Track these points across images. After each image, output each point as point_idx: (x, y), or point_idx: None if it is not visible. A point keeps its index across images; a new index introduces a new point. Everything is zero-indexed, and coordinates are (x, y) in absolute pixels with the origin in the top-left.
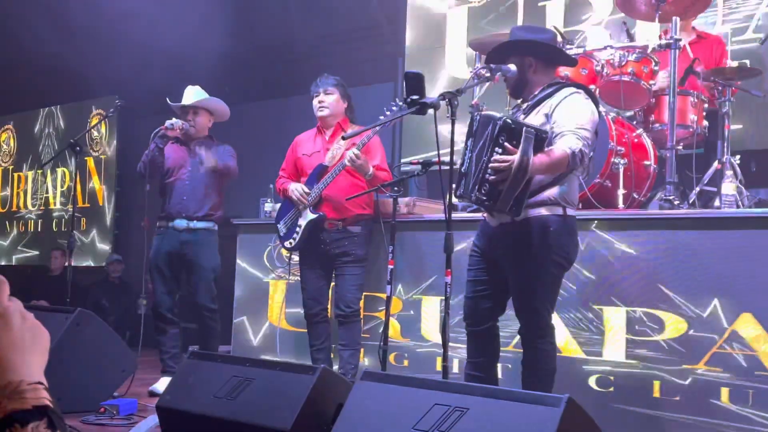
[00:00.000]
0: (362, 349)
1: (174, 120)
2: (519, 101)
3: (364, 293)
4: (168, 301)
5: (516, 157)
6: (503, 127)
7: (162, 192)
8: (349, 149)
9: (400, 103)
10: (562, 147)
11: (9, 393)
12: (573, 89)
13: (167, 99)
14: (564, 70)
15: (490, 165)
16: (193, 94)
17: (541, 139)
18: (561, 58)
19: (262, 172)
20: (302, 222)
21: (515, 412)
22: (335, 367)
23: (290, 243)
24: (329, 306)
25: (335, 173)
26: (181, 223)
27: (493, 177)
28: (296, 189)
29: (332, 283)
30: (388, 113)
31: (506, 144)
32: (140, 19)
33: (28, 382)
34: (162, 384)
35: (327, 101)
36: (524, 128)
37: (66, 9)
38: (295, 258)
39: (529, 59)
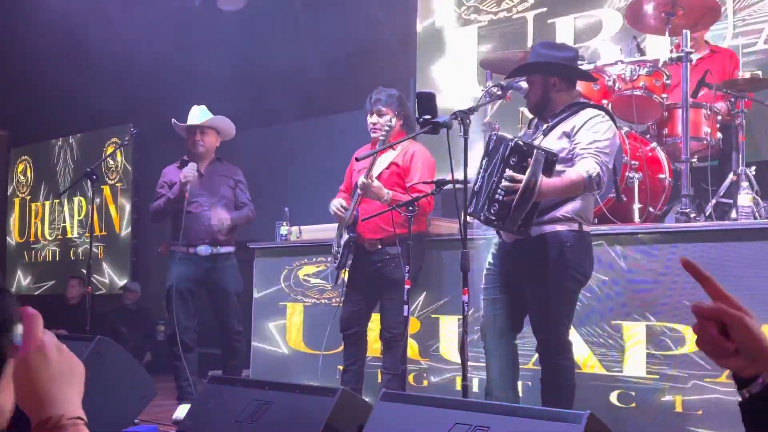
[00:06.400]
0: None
1: (185, 173)
2: (534, 119)
3: None
4: (189, 327)
5: (524, 177)
6: (514, 148)
7: (177, 219)
8: (389, 167)
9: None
10: (579, 170)
11: (50, 428)
12: (596, 111)
13: (173, 120)
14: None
15: (501, 185)
16: (199, 114)
17: (551, 162)
18: (583, 77)
19: (276, 196)
20: (342, 242)
21: (536, 430)
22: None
23: (333, 262)
24: (367, 330)
25: (358, 195)
26: (205, 249)
27: (502, 197)
28: (333, 204)
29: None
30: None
31: (515, 165)
32: (153, 47)
33: (69, 417)
34: (183, 411)
35: (379, 123)
36: (535, 150)
37: (79, 40)
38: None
39: (553, 79)
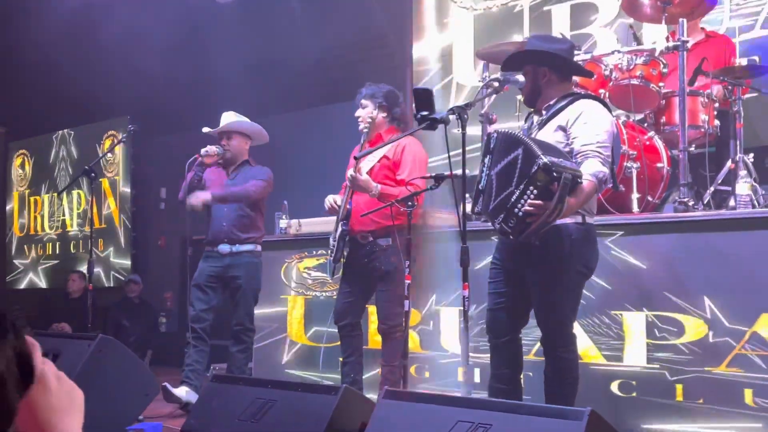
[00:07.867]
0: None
1: (208, 147)
2: (531, 111)
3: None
4: (204, 318)
5: (551, 204)
6: (544, 170)
7: (207, 216)
8: (380, 161)
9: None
10: (588, 177)
11: None
12: (590, 101)
13: (203, 129)
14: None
15: (525, 208)
16: (225, 119)
17: (577, 183)
18: (576, 71)
19: (275, 189)
20: (337, 235)
21: (538, 427)
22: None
23: (330, 255)
24: (362, 321)
25: (349, 188)
26: (224, 247)
27: (522, 213)
28: (328, 199)
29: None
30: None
31: (541, 187)
32: (149, 40)
33: None
34: (181, 390)
35: (362, 115)
36: (563, 175)
37: (76, 33)
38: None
39: (544, 70)
